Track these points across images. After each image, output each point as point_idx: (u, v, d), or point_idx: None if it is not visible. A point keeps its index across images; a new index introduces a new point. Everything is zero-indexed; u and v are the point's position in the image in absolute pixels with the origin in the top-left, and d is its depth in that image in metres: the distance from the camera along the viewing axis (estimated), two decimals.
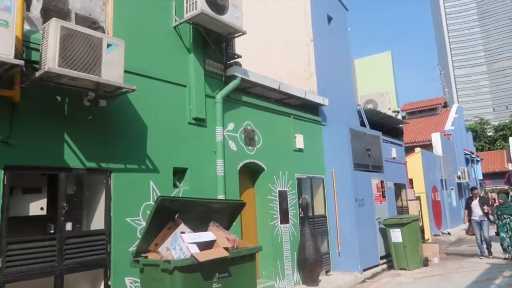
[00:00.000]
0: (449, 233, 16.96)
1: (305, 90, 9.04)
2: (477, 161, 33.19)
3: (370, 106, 13.88)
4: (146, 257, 4.38)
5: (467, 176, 24.13)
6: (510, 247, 10.45)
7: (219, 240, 4.45)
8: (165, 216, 4.49)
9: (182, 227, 4.41)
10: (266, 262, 7.49)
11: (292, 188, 8.34)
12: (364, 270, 9.05)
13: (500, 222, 10.68)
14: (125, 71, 4.83)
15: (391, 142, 13.40)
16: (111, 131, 5.17)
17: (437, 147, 21.05)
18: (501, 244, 10.58)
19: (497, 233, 10.80)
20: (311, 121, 9.47)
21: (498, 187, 38.46)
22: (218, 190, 6.54)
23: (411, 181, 17.57)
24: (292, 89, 8.51)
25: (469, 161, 29.60)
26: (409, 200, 13.84)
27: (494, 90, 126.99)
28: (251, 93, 7.85)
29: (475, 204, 11.44)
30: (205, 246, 4.30)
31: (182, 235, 4.21)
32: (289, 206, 8.12)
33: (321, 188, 9.45)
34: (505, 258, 10.45)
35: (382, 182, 10.73)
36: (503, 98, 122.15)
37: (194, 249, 4.08)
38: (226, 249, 4.39)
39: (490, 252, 11.05)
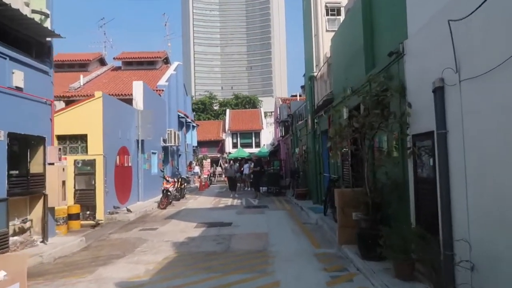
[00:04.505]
0: (129, 210, 12.70)
1: None
2: (193, 126, 32.00)
3: None
4: None
5: (175, 139, 21.21)
6: None
7: None
8: None
9: None
10: None
11: None
12: None
13: None
14: None
15: (16, 60, 7.39)
16: None
17: (137, 99, 16.60)
18: None
19: None
20: None
21: (209, 155, 39.50)
22: None
23: (84, 137, 12.25)
24: None
25: (184, 125, 27.50)
26: (49, 164, 8.31)
27: (224, 71, 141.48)
28: None
29: None
30: None
31: None
32: None
33: None
34: None
35: None
36: (230, 79, 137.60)
37: None
38: None
39: None
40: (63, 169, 8.43)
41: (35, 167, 8.01)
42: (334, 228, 8.71)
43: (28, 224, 8.01)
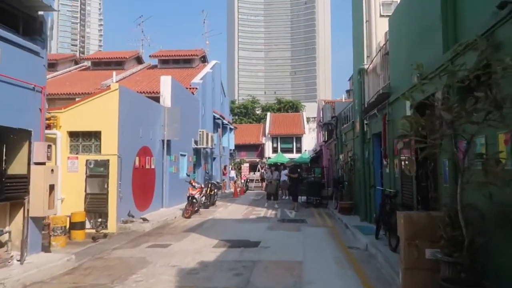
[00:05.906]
0: (145, 219, 11.12)
1: None
2: (231, 129, 30.42)
3: None
4: None
5: (208, 141, 19.64)
6: None
7: None
8: None
9: None
10: None
11: None
12: None
13: None
14: None
15: None
16: None
17: (165, 96, 15.15)
18: None
19: None
20: None
21: (246, 160, 37.86)
22: None
23: (98, 134, 10.90)
24: None
25: (220, 126, 25.98)
26: (36, 163, 6.83)
27: (267, 76, 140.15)
28: None
29: None
30: None
31: None
32: None
33: None
34: None
35: None
36: (273, 84, 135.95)
37: None
38: None
39: None
40: (52, 170, 6.91)
41: (16, 167, 6.55)
42: (391, 260, 6.55)
43: (5, 237, 6.56)
